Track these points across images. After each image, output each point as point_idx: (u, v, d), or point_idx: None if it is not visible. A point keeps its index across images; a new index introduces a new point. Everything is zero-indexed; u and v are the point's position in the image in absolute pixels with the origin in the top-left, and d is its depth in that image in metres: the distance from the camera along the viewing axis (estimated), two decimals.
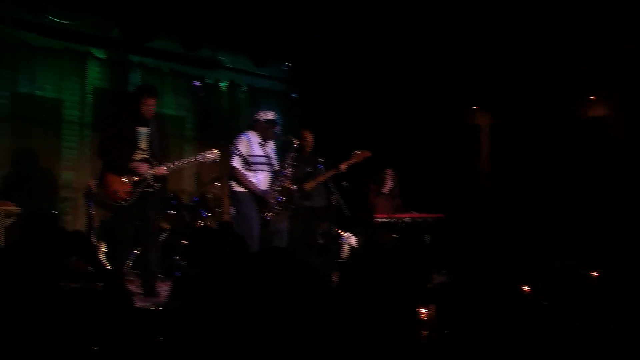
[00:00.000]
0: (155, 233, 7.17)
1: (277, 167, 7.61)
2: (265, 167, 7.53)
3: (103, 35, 9.33)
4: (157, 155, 6.85)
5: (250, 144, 7.46)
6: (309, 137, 8.50)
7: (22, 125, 8.68)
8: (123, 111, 7.02)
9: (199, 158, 7.01)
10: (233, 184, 7.47)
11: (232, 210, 7.51)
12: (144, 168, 6.72)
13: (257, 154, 7.47)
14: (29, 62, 8.76)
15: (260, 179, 7.46)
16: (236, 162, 7.40)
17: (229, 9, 8.95)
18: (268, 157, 7.55)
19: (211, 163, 7.27)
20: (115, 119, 6.93)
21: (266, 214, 7.41)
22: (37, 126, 8.86)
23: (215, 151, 7.03)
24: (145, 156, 6.80)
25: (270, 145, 7.66)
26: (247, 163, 7.43)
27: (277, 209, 7.44)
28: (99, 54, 9.45)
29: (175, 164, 7.05)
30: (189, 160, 7.15)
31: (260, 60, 11.00)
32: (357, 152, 8.52)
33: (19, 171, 8.62)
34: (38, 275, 3.52)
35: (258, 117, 7.60)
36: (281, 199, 7.46)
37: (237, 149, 7.43)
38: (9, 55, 8.54)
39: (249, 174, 7.43)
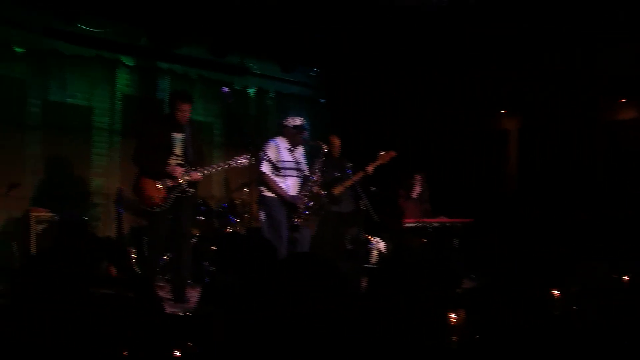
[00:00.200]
0: (188, 238, 7.23)
1: (306, 173, 7.60)
2: (294, 173, 7.52)
3: (132, 42, 9.42)
4: (191, 161, 6.91)
5: (279, 149, 7.47)
6: (337, 142, 8.50)
7: (53, 132, 8.77)
8: (158, 117, 7.09)
9: (232, 163, 7.04)
10: (262, 189, 7.47)
11: (262, 216, 7.51)
12: (179, 171, 6.79)
13: (285, 159, 7.47)
14: (59, 70, 8.86)
15: (289, 185, 7.45)
16: (265, 168, 7.41)
17: (256, 16, 8.97)
18: (297, 162, 7.54)
19: (243, 168, 7.30)
20: (151, 125, 7.03)
21: (295, 219, 7.41)
22: (68, 133, 8.94)
23: (248, 155, 7.06)
24: (180, 162, 6.87)
25: (299, 151, 7.66)
26: (276, 168, 7.43)
27: (307, 214, 7.44)
28: (128, 61, 9.53)
29: (210, 169, 7.12)
30: (222, 164, 7.20)
31: (288, 66, 11.03)
32: (383, 152, 8.49)
33: (50, 178, 8.71)
34: (69, 281, 3.55)
35: (286, 122, 7.61)
36: (310, 204, 7.46)
37: (266, 155, 7.43)
38: (40, 64, 8.65)
39: (278, 179, 7.43)
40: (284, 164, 7.44)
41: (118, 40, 9.30)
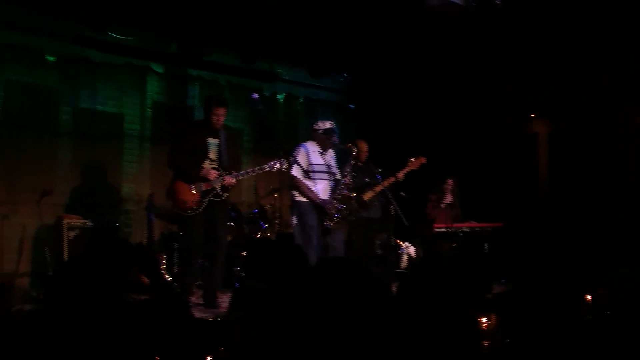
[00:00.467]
0: (223, 243, 7.22)
1: (337, 176, 7.61)
2: (325, 176, 7.54)
3: (162, 50, 9.48)
4: (225, 166, 6.96)
5: (309, 153, 7.49)
6: (364, 146, 8.49)
7: (84, 139, 8.84)
8: (193, 123, 7.16)
9: (267, 167, 7.09)
10: (295, 193, 7.51)
11: (294, 220, 7.54)
12: (213, 174, 6.84)
13: (316, 163, 7.49)
14: (90, 78, 8.94)
15: (320, 188, 7.47)
16: (296, 172, 7.44)
17: (285, 22, 9.00)
18: (328, 166, 7.56)
19: (272, 173, 7.34)
20: (186, 130, 7.14)
21: (327, 222, 7.42)
22: (99, 140, 9.01)
23: (282, 160, 7.09)
24: (214, 166, 6.92)
25: (330, 154, 7.67)
26: (307, 172, 7.47)
27: (338, 217, 7.44)
28: (158, 68, 9.59)
29: (244, 174, 7.16)
30: (257, 169, 7.18)
31: (317, 72, 11.04)
32: (413, 159, 8.49)
33: (82, 185, 8.79)
34: (101, 287, 3.59)
35: (316, 126, 7.64)
36: (341, 207, 7.46)
37: (296, 159, 7.48)
38: (71, 72, 8.74)
39: (309, 183, 7.46)
40: (314, 168, 7.47)
41: (148, 48, 9.37)
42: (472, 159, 10.83)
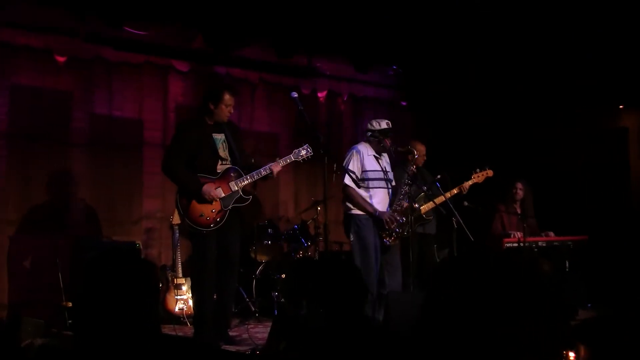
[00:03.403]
0: (236, 265, 7.04)
1: (394, 183, 7.53)
2: (383, 184, 7.47)
3: (185, 46, 9.51)
4: (240, 162, 6.85)
5: (363, 158, 7.44)
6: (422, 149, 8.42)
7: (100, 149, 8.95)
8: (191, 120, 7.09)
9: (292, 157, 6.94)
10: (349, 205, 7.43)
11: (351, 237, 7.46)
12: (214, 192, 6.63)
13: (370, 169, 7.43)
14: (105, 80, 9.02)
15: (377, 198, 7.40)
16: (348, 180, 7.35)
17: (326, 9, 8.96)
18: (385, 171, 7.48)
19: (321, 183, 7.20)
20: (186, 130, 6.91)
21: (386, 239, 7.34)
22: (116, 150, 9.10)
23: (307, 146, 6.99)
24: (228, 165, 6.82)
25: (386, 159, 7.60)
26: (361, 180, 7.39)
27: (399, 233, 7.36)
28: (182, 66, 9.62)
29: (283, 161, 6.94)
30: (281, 161, 6.94)
31: (363, 65, 10.99)
32: (478, 171, 8.41)
33: (98, 200, 8.88)
34: (129, 318, 3.60)
35: (371, 126, 7.59)
36: (402, 220, 7.37)
37: (348, 165, 7.40)
38: (84, 74, 8.83)
39: (364, 193, 7.39)
40: (370, 175, 7.41)
41: (169, 44, 9.40)
42: (549, 160, 10.68)
